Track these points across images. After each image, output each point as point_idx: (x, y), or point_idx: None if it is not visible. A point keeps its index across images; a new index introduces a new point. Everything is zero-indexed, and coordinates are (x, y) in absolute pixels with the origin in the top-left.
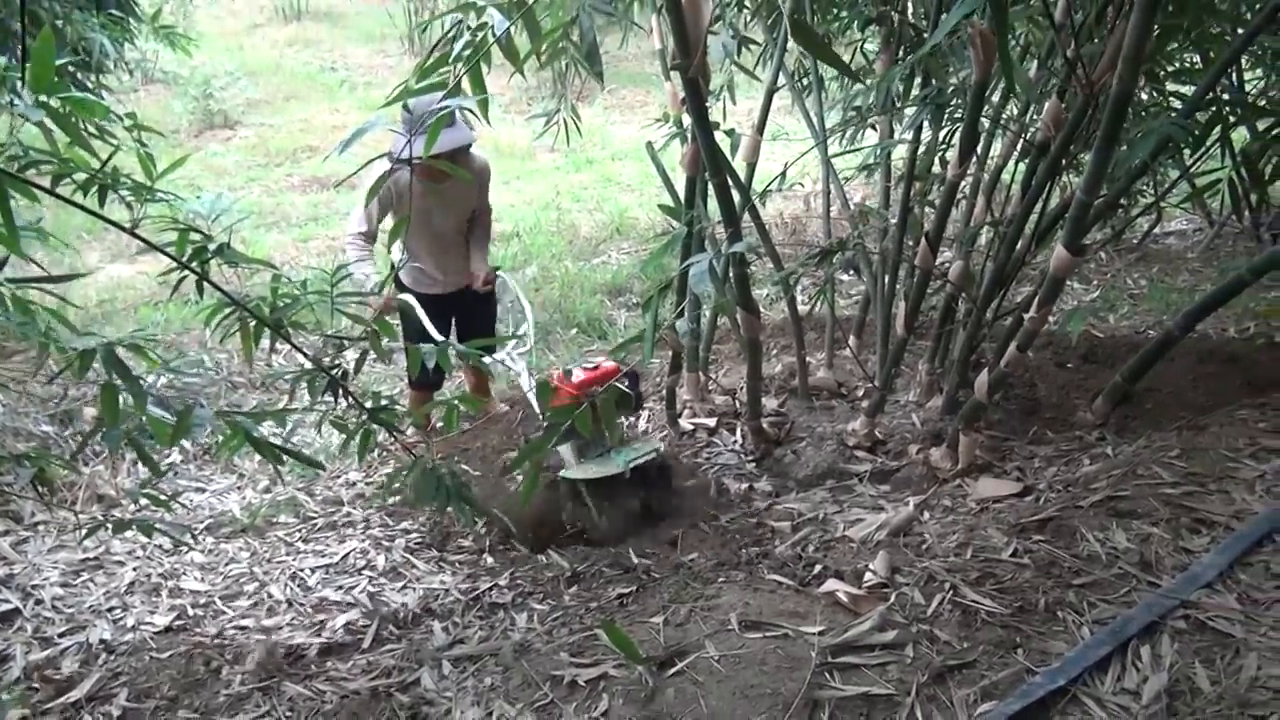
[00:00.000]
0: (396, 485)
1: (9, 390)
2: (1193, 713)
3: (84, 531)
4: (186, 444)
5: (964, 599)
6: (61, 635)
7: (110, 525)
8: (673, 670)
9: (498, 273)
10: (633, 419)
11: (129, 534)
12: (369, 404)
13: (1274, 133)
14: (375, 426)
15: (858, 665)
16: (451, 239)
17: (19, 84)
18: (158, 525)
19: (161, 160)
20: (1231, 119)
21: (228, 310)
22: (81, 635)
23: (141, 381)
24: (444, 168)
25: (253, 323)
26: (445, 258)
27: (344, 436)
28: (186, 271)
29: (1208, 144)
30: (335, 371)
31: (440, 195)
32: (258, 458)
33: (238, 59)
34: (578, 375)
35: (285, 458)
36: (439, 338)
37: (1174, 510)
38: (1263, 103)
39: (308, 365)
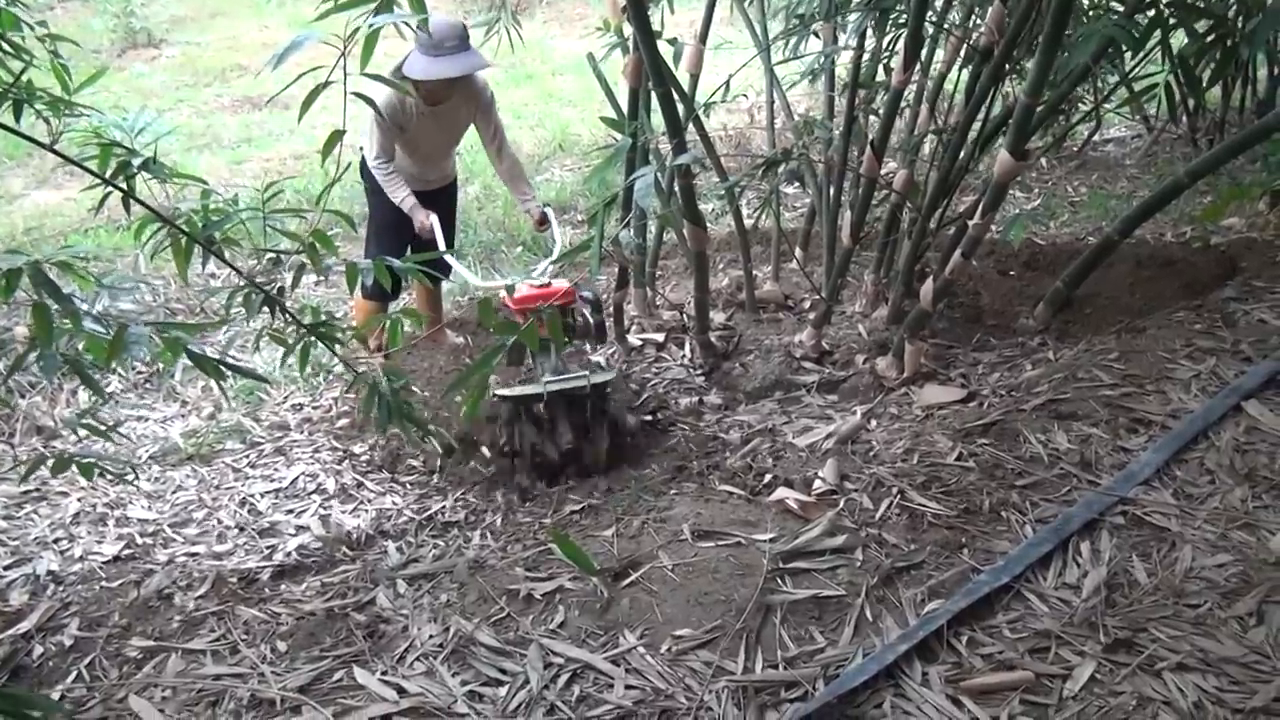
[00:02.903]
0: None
1: None
2: (1130, 604)
3: (25, 468)
4: (129, 372)
5: (911, 503)
6: (7, 568)
7: (50, 465)
8: (627, 581)
9: (545, 209)
10: (593, 346)
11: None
12: (307, 320)
13: (1211, 37)
14: (314, 341)
15: (808, 570)
16: (443, 152)
17: None
18: (98, 462)
19: (81, 78)
20: (1171, 21)
21: (156, 227)
22: (28, 567)
23: (76, 300)
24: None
25: (183, 240)
26: (431, 166)
27: (284, 353)
28: (111, 189)
29: (1148, 47)
30: (271, 288)
31: (438, 114)
32: (201, 385)
33: None
34: (521, 291)
35: (227, 374)
36: (440, 243)
37: (1113, 411)
38: (1201, 4)
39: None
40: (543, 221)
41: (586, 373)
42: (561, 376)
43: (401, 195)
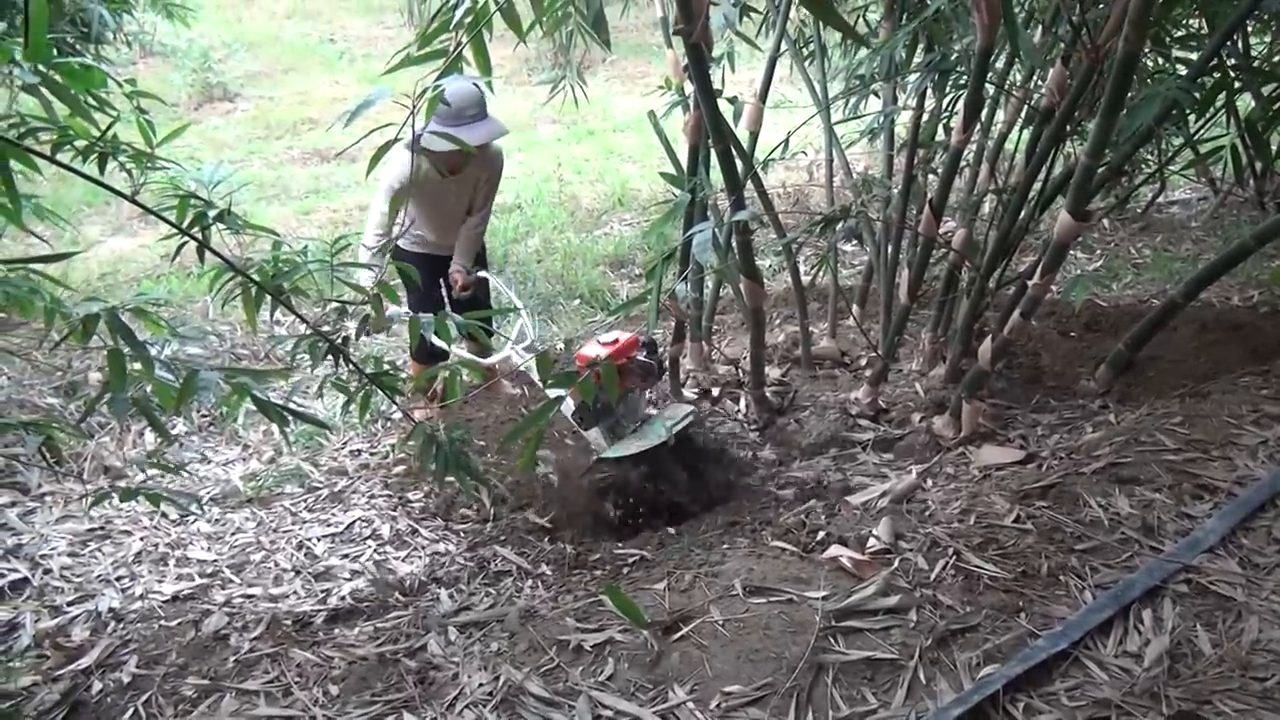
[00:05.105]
0: (405, 451)
1: (13, 362)
2: (1194, 675)
3: (90, 500)
4: (193, 415)
5: (967, 564)
6: (70, 604)
7: (118, 494)
8: (677, 635)
9: (478, 275)
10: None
11: (135, 504)
12: (369, 369)
13: (1279, 104)
14: (375, 390)
15: (861, 629)
16: (459, 216)
17: (17, 53)
18: (165, 494)
19: (161, 132)
20: (1236, 84)
21: (229, 276)
22: (90, 604)
23: (149, 346)
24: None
25: (254, 289)
26: (449, 231)
27: (344, 400)
28: (187, 239)
29: (1213, 110)
30: (336, 338)
31: (453, 181)
32: (263, 429)
33: (236, 30)
34: (596, 350)
35: (290, 419)
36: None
37: (1176, 476)
38: (1267, 68)
39: (309, 332)
40: (464, 287)
41: (691, 408)
42: (675, 419)
43: (370, 271)
